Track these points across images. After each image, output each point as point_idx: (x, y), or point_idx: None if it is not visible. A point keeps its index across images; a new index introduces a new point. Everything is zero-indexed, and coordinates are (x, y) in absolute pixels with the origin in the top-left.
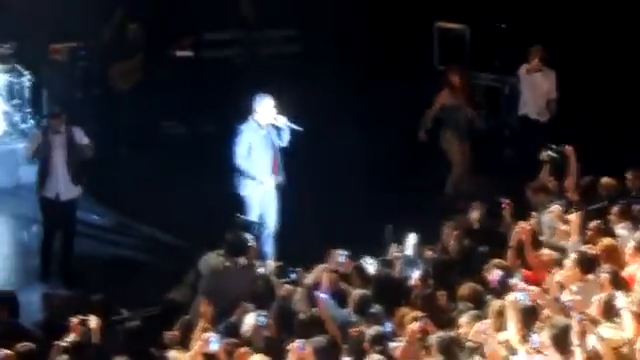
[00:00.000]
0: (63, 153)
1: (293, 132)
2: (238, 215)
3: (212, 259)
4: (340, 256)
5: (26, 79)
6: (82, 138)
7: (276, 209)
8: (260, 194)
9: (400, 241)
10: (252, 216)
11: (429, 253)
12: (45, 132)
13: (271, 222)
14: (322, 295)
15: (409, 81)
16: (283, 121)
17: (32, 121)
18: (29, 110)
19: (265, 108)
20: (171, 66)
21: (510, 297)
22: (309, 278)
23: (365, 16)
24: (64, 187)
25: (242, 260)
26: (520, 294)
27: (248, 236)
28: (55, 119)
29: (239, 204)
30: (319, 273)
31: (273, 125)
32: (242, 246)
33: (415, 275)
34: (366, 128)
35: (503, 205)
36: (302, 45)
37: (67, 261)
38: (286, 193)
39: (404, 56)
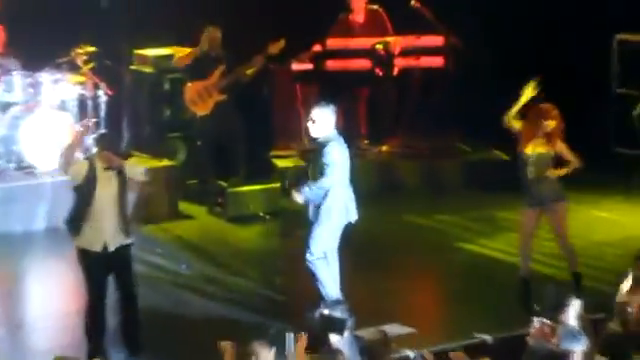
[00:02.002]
0: (113, 192)
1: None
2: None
3: None
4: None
5: (103, 93)
6: (137, 175)
7: None
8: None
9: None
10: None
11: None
12: (93, 163)
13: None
14: None
15: (582, 110)
16: None
17: None
18: None
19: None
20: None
21: None
22: None
23: (528, 30)
24: (111, 235)
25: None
26: None
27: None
28: (113, 152)
29: None
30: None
31: None
32: None
33: (578, 348)
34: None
35: None
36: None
37: (133, 332)
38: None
39: (574, 79)
